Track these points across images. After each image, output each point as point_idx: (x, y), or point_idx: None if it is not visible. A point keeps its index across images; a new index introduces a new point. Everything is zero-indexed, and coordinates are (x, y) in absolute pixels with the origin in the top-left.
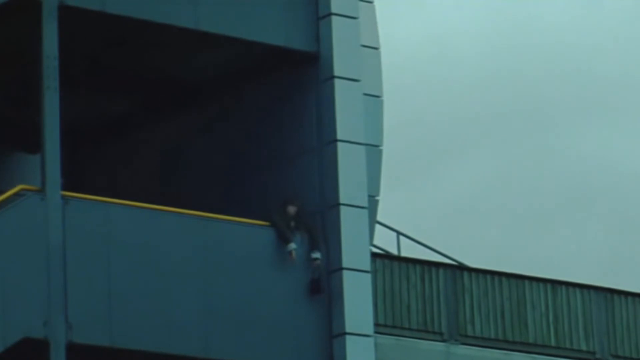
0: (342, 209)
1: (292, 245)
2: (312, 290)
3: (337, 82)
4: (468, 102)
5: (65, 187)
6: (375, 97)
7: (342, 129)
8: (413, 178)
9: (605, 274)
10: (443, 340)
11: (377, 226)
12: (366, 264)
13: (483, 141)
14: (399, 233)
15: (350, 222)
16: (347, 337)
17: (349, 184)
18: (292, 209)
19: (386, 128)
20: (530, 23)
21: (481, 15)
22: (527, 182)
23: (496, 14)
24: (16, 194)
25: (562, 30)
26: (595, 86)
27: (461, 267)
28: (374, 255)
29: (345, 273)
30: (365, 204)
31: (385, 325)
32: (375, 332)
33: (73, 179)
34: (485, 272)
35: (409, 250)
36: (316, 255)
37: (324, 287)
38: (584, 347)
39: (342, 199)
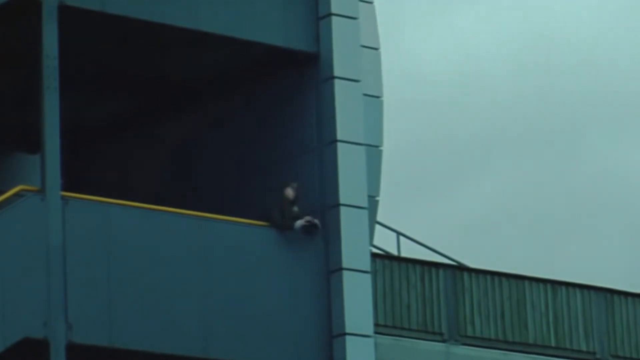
0: (342, 209)
1: (299, 222)
2: (305, 232)
3: (337, 82)
4: (496, 119)
5: (63, 188)
6: (375, 97)
7: (342, 129)
8: (441, 190)
9: (625, 281)
10: (443, 341)
11: (377, 226)
12: (366, 264)
13: (507, 156)
14: (399, 233)
15: (350, 222)
16: (347, 337)
17: (349, 184)
18: (290, 192)
19: (415, 143)
20: (558, 42)
21: (510, 34)
22: (549, 195)
23: (524, 33)
24: (16, 194)
25: (588, 48)
26: (616, 103)
27: (461, 267)
28: (374, 255)
29: (345, 273)
30: (365, 204)
31: (385, 326)
32: (375, 332)
33: (73, 179)
34: (485, 272)
35: (409, 251)
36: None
37: (316, 230)
38: (584, 347)
39: (342, 199)
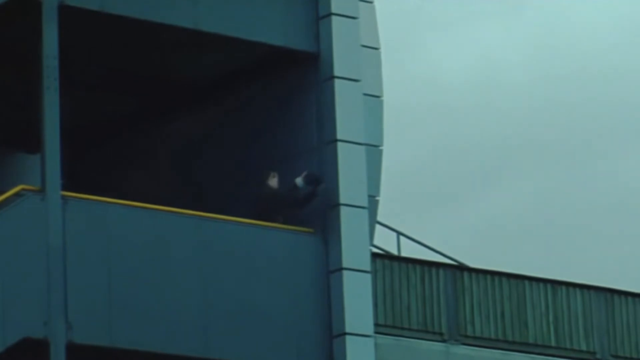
0: (342, 209)
1: (298, 179)
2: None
3: (337, 82)
4: (512, 126)
5: (64, 188)
6: (375, 97)
7: (342, 129)
8: (457, 196)
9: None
10: (443, 340)
11: (377, 226)
12: (366, 264)
13: (523, 163)
14: (399, 233)
15: (350, 222)
16: (347, 337)
17: (349, 184)
18: (273, 181)
19: (432, 149)
20: (574, 52)
21: (528, 44)
22: (562, 201)
23: (542, 43)
24: (16, 194)
25: (604, 59)
26: (629, 111)
27: (461, 267)
28: (374, 255)
29: (345, 273)
30: (365, 204)
31: (385, 325)
32: (375, 332)
33: (73, 179)
34: (485, 272)
35: (409, 251)
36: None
37: (320, 180)
38: (584, 347)
39: (342, 199)
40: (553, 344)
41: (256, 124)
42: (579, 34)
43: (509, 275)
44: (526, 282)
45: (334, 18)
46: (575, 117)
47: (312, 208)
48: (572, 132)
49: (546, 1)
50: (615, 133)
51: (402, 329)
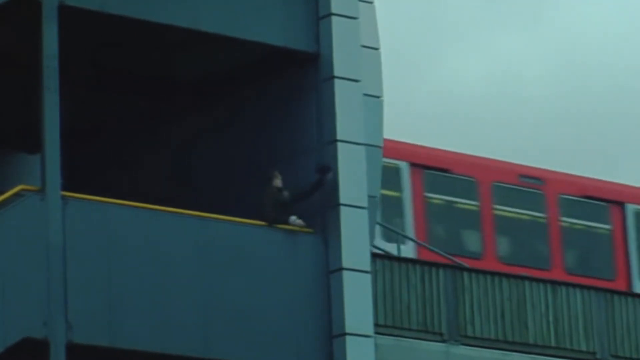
0: (342, 209)
1: (293, 218)
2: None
3: (337, 82)
4: (531, 138)
5: (63, 187)
6: (375, 97)
7: (342, 129)
8: None
9: None
10: (443, 341)
11: (377, 226)
12: (366, 264)
13: None
14: (399, 233)
15: (350, 222)
16: (347, 337)
17: (349, 183)
18: (278, 181)
19: None
20: (595, 65)
21: (548, 56)
22: None
23: (563, 56)
24: (16, 194)
25: (623, 73)
26: None
27: (461, 267)
28: (374, 255)
29: (345, 273)
30: (365, 204)
31: (385, 326)
32: (375, 332)
33: (73, 179)
34: (485, 272)
35: (409, 251)
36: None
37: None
38: (584, 347)
39: (342, 199)
40: (553, 344)
41: (256, 124)
42: (597, 48)
43: (509, 276)
44: (526, 282)
45: (334, 18)
46: (592, 130)
47: (312, 208)
48: (588, 146)
49: (566, 15)
50: (633, 146)
51: (402, 329)
